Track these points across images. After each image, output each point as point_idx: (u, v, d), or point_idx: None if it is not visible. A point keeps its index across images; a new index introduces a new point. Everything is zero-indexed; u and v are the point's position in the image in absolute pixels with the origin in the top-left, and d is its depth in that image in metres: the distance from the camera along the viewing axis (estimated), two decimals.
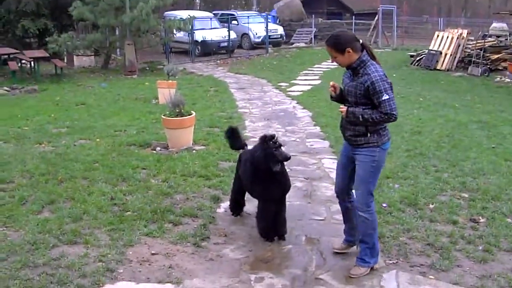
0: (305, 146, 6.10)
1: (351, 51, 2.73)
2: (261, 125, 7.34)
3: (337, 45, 2.73)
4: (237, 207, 3.81)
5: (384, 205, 4.14)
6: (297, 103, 8.97)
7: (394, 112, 2.64)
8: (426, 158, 5.46)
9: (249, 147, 3.68)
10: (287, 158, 3.15)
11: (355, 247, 3.24)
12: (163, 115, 5.94)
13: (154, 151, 5.80)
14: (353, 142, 2.83)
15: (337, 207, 3.45)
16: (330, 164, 5.28)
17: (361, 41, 2.77)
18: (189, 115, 5.89)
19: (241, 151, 3.76)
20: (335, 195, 3.21)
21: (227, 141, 3.82)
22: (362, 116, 2.69)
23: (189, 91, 10.05)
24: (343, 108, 2.78)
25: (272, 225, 3.38)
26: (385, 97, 2.61)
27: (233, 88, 10.76)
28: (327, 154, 5.72)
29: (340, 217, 3.43)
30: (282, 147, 3.20)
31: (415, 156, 5.56)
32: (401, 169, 5.07)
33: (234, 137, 3.72)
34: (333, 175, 4.11)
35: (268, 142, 3.15)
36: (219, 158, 5.44)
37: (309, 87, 10.76)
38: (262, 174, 3.19)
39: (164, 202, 4.21)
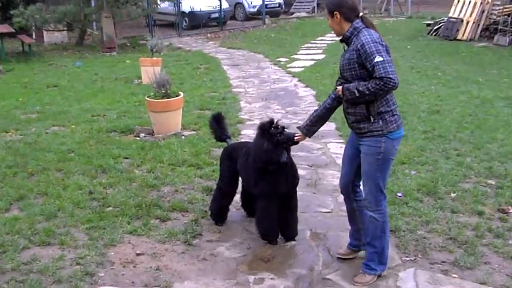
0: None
1: (339, 16, 2.73)
2: (258, 106, 7.32)
3: (328, 5, 2.79)
4: (222, 214, 3.71)
5: (399, 194, 4.13)
6: (299, 80, 8.95)
7: (391, 76, 2.55)
8: (446, 141, 5.46)
9: (240, 139, 3.73)
10: (295, 137, 3.09)
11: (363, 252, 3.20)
12: (147, 97, 5.96)
13: (138, 138, 5.82)
14: (357, 130, 2.81)
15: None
16: (337, 149, 5.28)
17: (361, 13, 2.75)
18: (177, 96, 5.89)
19: (226, 144, 3.75)
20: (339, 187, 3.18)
21: (211, 131, 3.82)
22: (357, 89, 2.64)
23: (176, 69, 10.02)
24: (339, 87, 2.78)
25: (277, 227, 3.34)
26: (378, 59, 2.55)
27: (225, 65, 10.69)
28: (333, 138, 5.71)
29: None
30: (286, 129, 3.15)
31: (434, 138, 5.55)
32: (417, 153, 5.05)
33: (219, 126, 3.72)
34: (340, 161, 4.14)
35: (268, 130, 3.11)
36: (211, 144, 5.41)
37: (311, 63, 10.66)
38: (268, 167, 3.16)
39: (150, 195, 4.22)
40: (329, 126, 6.14)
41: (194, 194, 4.25)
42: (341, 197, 3.81)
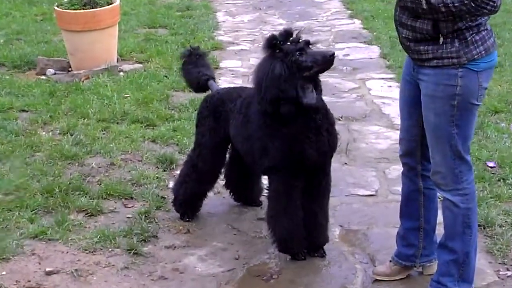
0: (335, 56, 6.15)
1: None
2: (247, 19, 7.30)
3: None
4: (193, 204, 3.76)
5: (491, 164, 4.12)
6: None
7: None
8: None
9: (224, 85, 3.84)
10: (329, 56, 3.10)
11: (419, 268, 3.21)
12: (57, 6, 5.88)
13: (43, 77, 5.82)
14: (414, 55, 2.82)
15: (398, 171, 3.53)
16: (384, 89, 5.31)
17: None
18: (109, 4, 5.84)
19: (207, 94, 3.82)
20: (398, 153, 3.18)
21: (186, 80, 3.96)
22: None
23: None
24: None
25: (302, 228, 3.33)
26: None
27: None
28: (377, 71, 5.70)
29: None
30: (311, 46, 3.14)
31: None
32: None
33: (196, 66, 3.81)
34: (389, 110, 4.24)
35: (281, 47, 3.09)
36: (170, 84, 5.43)
37: None
38: (282, 112, 3.13)
39: (68, 172, 4.21)
40: (369, 51, 6.14)
41: (143, 169, 4.22)
42: (392, 169, 4.05)
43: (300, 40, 3.12)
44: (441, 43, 2.67)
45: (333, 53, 3.10)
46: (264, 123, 3.22)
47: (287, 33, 3.12)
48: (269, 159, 3.25)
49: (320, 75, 3.17)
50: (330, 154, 3.30)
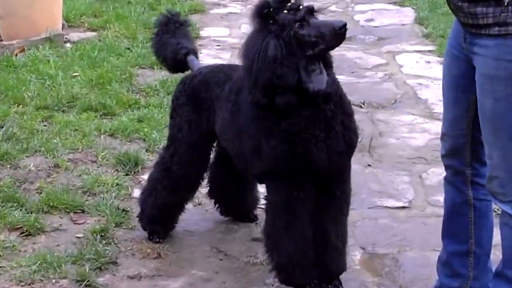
0: (354, 23, 6.37)
1: None
2: None
3: None
4: (166, 219, 3.76)
5: None
6: None
7: None
8: None
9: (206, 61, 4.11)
10: (339, 29, 3.01)
11: None
12: None
13: None
14: (468, 19, 2.73)
15: (439, 176, 3.61)
16: (420, 66, 5.45)
17: None
18: None
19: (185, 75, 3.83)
20: (439, 152, 3.16)
21: (153, 46, 3.97)
22: None
23: None
24: None
25: (311, 252, 3.29)
26: None
27: None
28: (411, 41, 5.93)
29: None
30: (315, 15, 3.07)
31: None
32: None
33: (173, 36, 3.83)
34: (427, 94, 4.56)
35: (275, 17, 3.05)
36: (133, 60, 5.51)
37: None
38: (280, 111, 3.09)
39: None
40: (400, 14, 6.28)
41: (98, 173, 4.16)
42: (429, 175, 4.14)
43: (301, 7, 3.02)
44: (506, 3, 2.56)
45: (344, 24, 2.98)
46: (257, 116, 3.15)
47: None
48: (262, 162, 3.19)
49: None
50: (347, 155, 3.21)
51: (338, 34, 2.95)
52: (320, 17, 3.05)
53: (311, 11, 3.00)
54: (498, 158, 2.72)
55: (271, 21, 2.99)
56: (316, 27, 2.98)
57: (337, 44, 3.02)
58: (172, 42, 3.75)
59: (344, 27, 2.94)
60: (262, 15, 3.00)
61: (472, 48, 2.71)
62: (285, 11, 2.99)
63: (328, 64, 3.09)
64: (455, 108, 2.94)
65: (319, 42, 2.97)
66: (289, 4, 3.00)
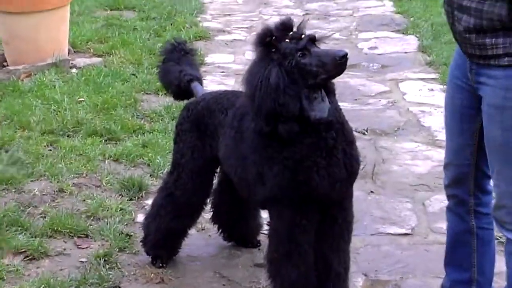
0: (358, 50, 6.32)
1: None
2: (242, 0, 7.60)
3: None
4: (169, 245, 3.76)
5: None
6: None
7: None
8: None
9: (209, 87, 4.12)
10: (339, 58, 3.00)
11: None
12: None
13: None
14: (475, 50, 2.74)
15: (441, 203, 3.62)
16: (423, 94, 5.45)
17: None
18: None
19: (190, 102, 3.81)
20: (441, 180, 3.19)
21: (158, 73, 3.99)
22: None
23: None
24: None
25: (313, 279, 3.27)
26: None
27: None
28: (414, 69, 5.89)
29: None
30: (317, 44, 3.07)
31: None
32: None
33: (178, 63, 3.83)
34: (429, 121, 4.57)
35: (277, 45, 3.04)
36: (138, 85, 5.50)
37: None
38: (282, 139, 3.09)
39: (1, 202, 4.15)
40: (403, 43, 6.29)
41: (102, 198, 4.15)
42: (432, 202, 4.14)
43: (303, 36, 3.01)
44: None
45: (345, 54, 2.98)
46: (260, 143, 3.15)
47: (285, 26, 3.02)
48: (265, 189, 3.18)
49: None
50: (348, 183, 3.21)
51: (339, 63, 2.97)
52: (322, 46, 3.07)
53: (313, 40, 3.02)
54: (505, 187, 2.73)
55: (273, 50, 3.02)
56: (317, 57, 3.01)
57: (338, 74, 3.05)
58: (176, 69, 3.77)
59: (345, 56, 2.96)
60: (264, 44, 3.04)
61: (478, 79, 2.73)
62: (287, 40, 3.01)
63: (330, 92, 3.10)
64: (459, 138, 2.96)
65: (320, 72, 2.99)
66: (291, 32, 3.01)
